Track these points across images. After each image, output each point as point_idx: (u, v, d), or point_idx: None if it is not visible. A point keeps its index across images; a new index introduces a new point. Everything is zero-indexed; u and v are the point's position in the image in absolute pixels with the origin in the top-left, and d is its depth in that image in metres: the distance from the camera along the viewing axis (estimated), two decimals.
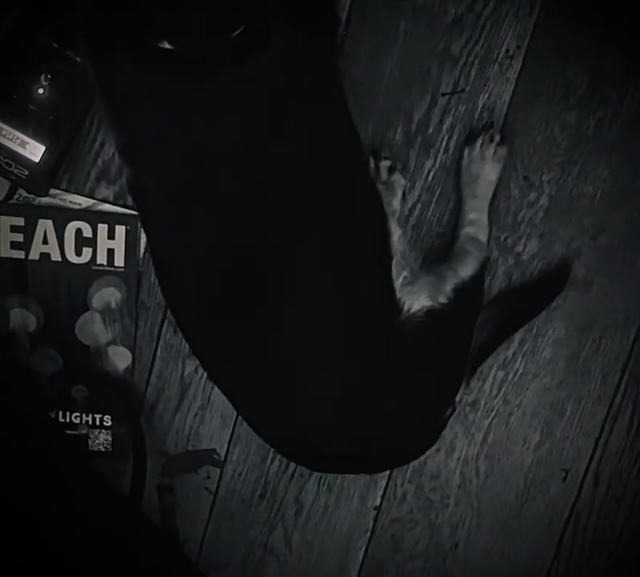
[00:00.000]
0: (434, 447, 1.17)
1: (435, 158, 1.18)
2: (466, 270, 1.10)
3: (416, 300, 1.04)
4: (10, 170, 1.07)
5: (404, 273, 1.05)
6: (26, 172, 1.07)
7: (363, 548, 1.29)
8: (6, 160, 1.07)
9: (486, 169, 1.14)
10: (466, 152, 1.15)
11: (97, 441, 1.22)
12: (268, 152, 0.91)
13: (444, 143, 1.17)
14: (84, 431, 1.21)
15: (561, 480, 1.26)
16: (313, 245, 0.97)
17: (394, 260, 1.05)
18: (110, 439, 1.22)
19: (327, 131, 0.96)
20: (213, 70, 0.86)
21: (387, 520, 1.28)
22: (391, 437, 1.06)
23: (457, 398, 1.12)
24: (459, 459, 1.26)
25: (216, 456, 1.25)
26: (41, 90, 1.05)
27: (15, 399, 1.17)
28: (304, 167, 0.94)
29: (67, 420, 1.20)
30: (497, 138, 1.14)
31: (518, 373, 1.23)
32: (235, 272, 0.95)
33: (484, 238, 1.15)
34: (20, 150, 1.07)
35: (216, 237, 0.95)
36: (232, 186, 0.92)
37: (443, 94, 1.16)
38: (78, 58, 1.04)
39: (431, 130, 1.17)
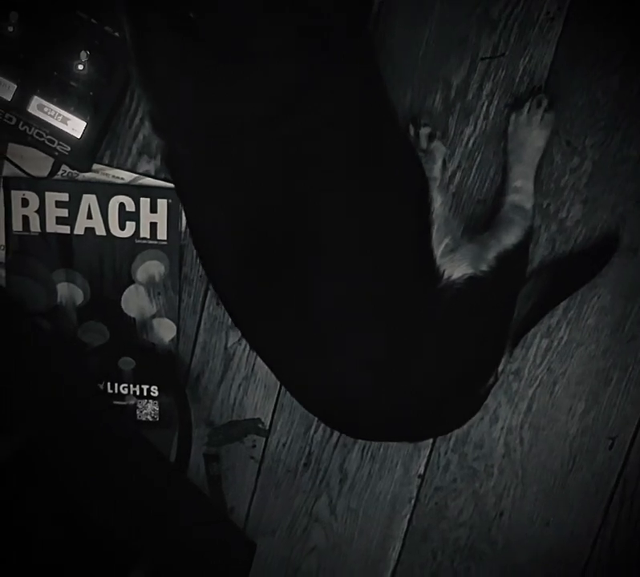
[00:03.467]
0: (477, 416, 1.17)
1: (475, 124, 1.16)
2: (510, 238, 1.09)
3: (457, 268, 1.03)
4: (53, 146, 1.09)
5: (446, 241, 1.05)
6: (69, 148, 1.09)
7: (408, 516, 1.30)
8: (49, 137, 1.08)
9: (533, 135, 1.12)
10: (513, 118, 1.13)
11: (145, 411, 1.24)
12: (301, 120, 0.91)
13: (484, 109, 1.16)
14: (132, 402, 1.23)
15: (607, 448, 1.25)
16: (348, 212, 0.97)
17: (435, 227, 1.04)
18: (157, 409, 1.24)
19: (361, 98, 0.95)
20: (245, 41, 0.86)
21: (431, 489, 1.28)
22: (432, 406, 1.06)
23: (500, 368, 1.11)
24: (502, 428, 1.25)
25: (260, 425, 1.27)
26: (80, 67, 1.06)
27: (65, 371, 1.19)
28: (338, 136, 0.94)
29: (115, 391, 1.23)
30: (545, 103, 1.12)
31: (563, 341, 1.22)
32: (271, 240, 0.96)
33: (529, 206, 1.14)
34: (62, 126, 1.08)
35: (250, 206, 0.95)
36: (266, 154, 0.93)
37: (483, 59, 1.14)
38: (116, 33, 1.05)
39: (470, 96, 1.15)
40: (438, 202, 1.05)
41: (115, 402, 1.23)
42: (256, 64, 0.88)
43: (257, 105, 0.90)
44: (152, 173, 1.17)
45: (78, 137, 1.09)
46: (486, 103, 1.15)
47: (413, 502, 1.29)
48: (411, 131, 1.14)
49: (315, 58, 0.90)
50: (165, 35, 0.88)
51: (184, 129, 0.93)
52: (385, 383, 1.03)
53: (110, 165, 1.16)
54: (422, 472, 1.28)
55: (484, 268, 1.05)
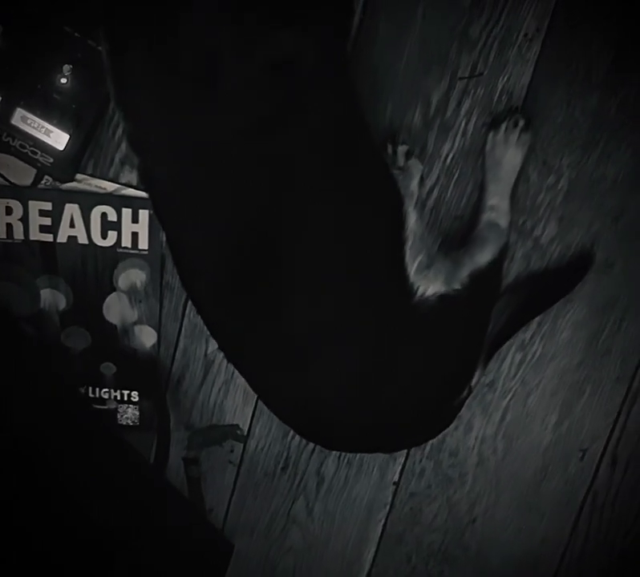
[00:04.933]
0: (452, 425, 1.19)
1: (454, 141, 1.18)
2: (484, 256, 1.10)
3: (431, 285, 1.04)
4: (36, 158, 1.10)
5: (420, 257, 1.05)
6: (51, 160, 1.11)
7: (383, 521, 1.32)
8: (32, 148, 1.10)
9: (510, 154, 1.14)
10: (490, 137, 1.14)
11: (125, 416, 1.27)
12: (276, 139, 0.92)
13: (463, 127, 1.17)
14: (113, 406, 1.26)
15: (578, 459, 1.27)
16: (324, 229, 0.98)
17: (409, 244, 1.05)
18: (137, 414, 1.26)
19: (336, 119, 0.96)
20: (218, 71, 0.88)
21: (406, 494, 1.31)
22: (405, 419, 1.07)
23: (474, 380, 1.13)
24: (477, 438, 1.28)
25: (239, 431, 1.29)
26: (64, 80, 1.07)
27: (47, 375, 1.22)
28: (313, 155, 0.95)
29: (97, 395, 1.25)
30: (522, 123, 1.13)
31: (537, 355, 1.24)
32: (247, 254, 0.97)
33: (504, 224, 1.15)
34: (45, 138, 1.10)
35: (226, 221, 0.96)
36: (242, 171, 0.94)
37: (462, 78, 1.15)
38: (100, 47, 1.06)
39: (449, 113, 1.17)
40: (413, 219, 1.06)
41: (96, 406, 1.25)
42: (231, 91, 0.90)
43: (231, 129, 0.92)
44: (134, 183, 1.18)
45: (61, 149, 1.10)
46: (464, 121, 1.17)
47: (388, 507, 1.32)
48: (389, 149, 1.15)
49: (290, 84, 0.92)
50: (141, 58, 0.89)
51: (158, 148, 0.95)
52: (359, 397, 1.04)
53: (93, 175, 1.17)
54: (397, 478, 1.30)
55: (457, 286, 1.06)
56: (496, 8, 1.13)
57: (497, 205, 1.15)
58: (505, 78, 1.15)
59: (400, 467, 1.30)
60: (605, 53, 1.14)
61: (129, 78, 0.92)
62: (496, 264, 1.12)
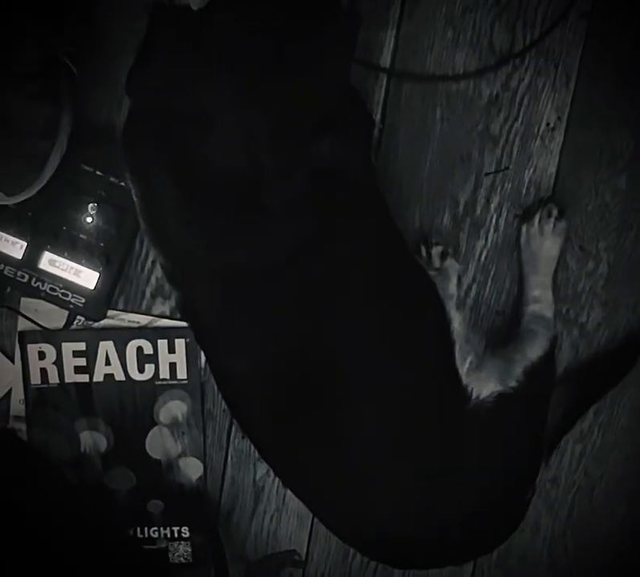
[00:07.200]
0: (518, 528, 1.14)
1: (486, 238, 1.16)
2: (535, 351, 1.08)
3: (485, 386, 1.02)
4: (67, 299, 1.08)
5: (470, 358, 1.03)
6: (83, 300, 1.08)
7: None
8: (63, 291, 1.07)
9: (546, 244, 1.12)
10: (524, 229, 1.13)
11: (177, 554, 1.20)
12: (312, 263, 0.92)
13: (494, 222, 1.16)
14: (163, 545, 1.20)
15: None
16: (370, 345, 0.96)
17: (457, 347, 1.03)
18: (189, 550, 1.20)
19: (373, 228, 0.96)
20: (255, 198, 0.87)
21: None
22: (472, 526, 1.03)
23: (537, 479, 1.09)
24: (545, 538, 1.23)
25: (296, 557, 1.23)
26: (89, 219, 1.05)
27: (92, 520, 1.16)
28: (353, 269, 0.94)
29: (145, 535, 1.19)
30: (555, 212, 1.12)
31: (597, 445, 1.20)
32: (292, 375, 0.95)
33: (549, 314, 1.13)
34: (75, 279, 1.07)
35: (271, 345, 0.95)
36: (281, 296, 0.93)
37: (487, 174, 1.14)
38: (122, 184, 1.05)
39: (478, 211, 1.15)
40: (457, 320, 1.04)
41: (146, 547, 1.19)
42: (268, 217, 0.89)
43: (270, 254, 0.91)
44: (168, 314, 1.15)
45: (92, 288, 1.08)
46: (495, 216, 1.16)
47: None
48: (423, 252, 1.14)
49: (329, 198, 0.90)
50: (172, 197, 0.88)
51: (196, 281, 0.93)
52: (422, 510, 1.00)
53: (125, 310, 1.14)
54: None
55: (512, 383, 1.04)
56: (514, 103, 1.13)
57: (540, 296, 1.13)
58: (531, 171, 1.15)
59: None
60: (627, 136, 1.14)
61: (161, 217, 0.91)
62: (548, 356, 1.10)
